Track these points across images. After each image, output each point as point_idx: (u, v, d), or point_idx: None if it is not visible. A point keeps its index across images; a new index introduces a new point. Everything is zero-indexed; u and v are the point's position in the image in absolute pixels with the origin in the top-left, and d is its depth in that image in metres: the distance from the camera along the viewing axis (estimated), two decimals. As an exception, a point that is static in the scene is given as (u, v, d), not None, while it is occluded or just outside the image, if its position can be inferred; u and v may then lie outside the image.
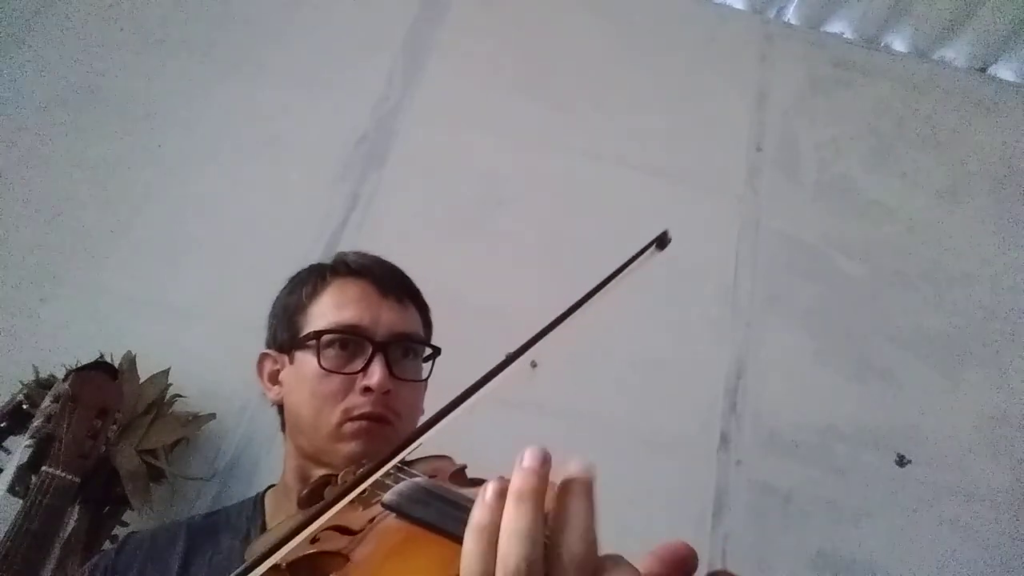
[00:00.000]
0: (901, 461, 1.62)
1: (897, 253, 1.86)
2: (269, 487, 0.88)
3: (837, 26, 2.16)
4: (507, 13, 2.03)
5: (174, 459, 1.35)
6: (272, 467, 1.43)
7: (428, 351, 0.87)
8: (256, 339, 1.55)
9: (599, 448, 1.55)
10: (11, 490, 1.07)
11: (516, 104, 1.91)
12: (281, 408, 0.87)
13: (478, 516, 0.36)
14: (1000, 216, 1.94)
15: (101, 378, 1.19)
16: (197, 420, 1.39)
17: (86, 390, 1.14)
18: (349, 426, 0.77)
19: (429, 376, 0.87)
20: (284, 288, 0.91)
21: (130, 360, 1.36)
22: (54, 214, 1.61)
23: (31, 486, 1.05)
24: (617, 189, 1.84)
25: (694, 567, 0.34)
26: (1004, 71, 2.16)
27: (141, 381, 1.36)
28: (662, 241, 0.58)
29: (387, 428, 0.78)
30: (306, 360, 0.81)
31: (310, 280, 0.87)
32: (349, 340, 0.80)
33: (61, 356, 1.27)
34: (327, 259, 0.90)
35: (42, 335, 1.47)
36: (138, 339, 1.43)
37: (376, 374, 0.77)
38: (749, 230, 1.84)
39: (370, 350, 0.79)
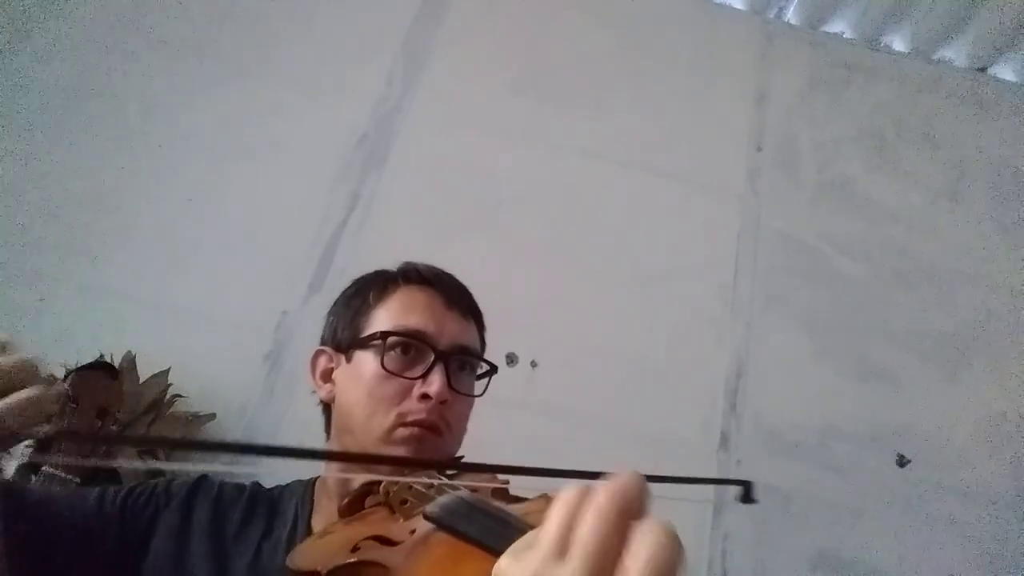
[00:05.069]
0: (901, 461, 1.62)
1: (897, 253, 1.86)
2: (318, 477, 0.87)
3: (837, 26, 2.16)
4: (507, 13, 2.03)
5: (174, 459, 1.35)
6: (272, 467, 1.43)
7: (483, 368, 0.88)
8: (256, 339, 1.56)
9: (599, 448, 1.55)
10: (11, 490, 1.07)
11: (516, 104, 1.91)
12: (328, 408, 0.87)
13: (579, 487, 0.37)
14: (1000, 216, 1.94)
15: (101, 378, 1.19)
16: (197, 420, 1.39)
17: (86, 390, 1.14)
18: (401, 431, 0.77)
19: (483, 394, 0.87)
20: (347, 289, 0.91)
21: (130, 360, 1.36)
22: (54, 214, 1.61)
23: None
24: (617, 189, 1.84)
25: None
26: (1004, 71, 2.16)
27: (141, 381, 1.36)
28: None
29: (437, 438, 0.78)
30: (366, 360, 0.81)
31: (377, 283, 0.87)
32: (412, 345, 0.80)
33: (61, 356, 1.27)
34: (392, 266, 0.90)
35: (42, 335, 1.47)
36: (138, 339, 1.43)
37: (436, 382, 0.78)
38: (749, 230, 1.84)
39: (432, 358, 0.79)
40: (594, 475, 0.58)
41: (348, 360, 0.84)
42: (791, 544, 1.52)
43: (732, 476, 1.56)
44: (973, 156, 2.02)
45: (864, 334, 1.75)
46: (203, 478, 0.83)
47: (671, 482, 0.62)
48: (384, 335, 0.80)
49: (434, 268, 0.89)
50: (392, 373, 0.78)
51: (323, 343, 0.89)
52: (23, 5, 1.82)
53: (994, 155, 2.02)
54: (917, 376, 1.72)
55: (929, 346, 1.76)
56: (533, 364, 1.60)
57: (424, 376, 0.79)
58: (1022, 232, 1.92)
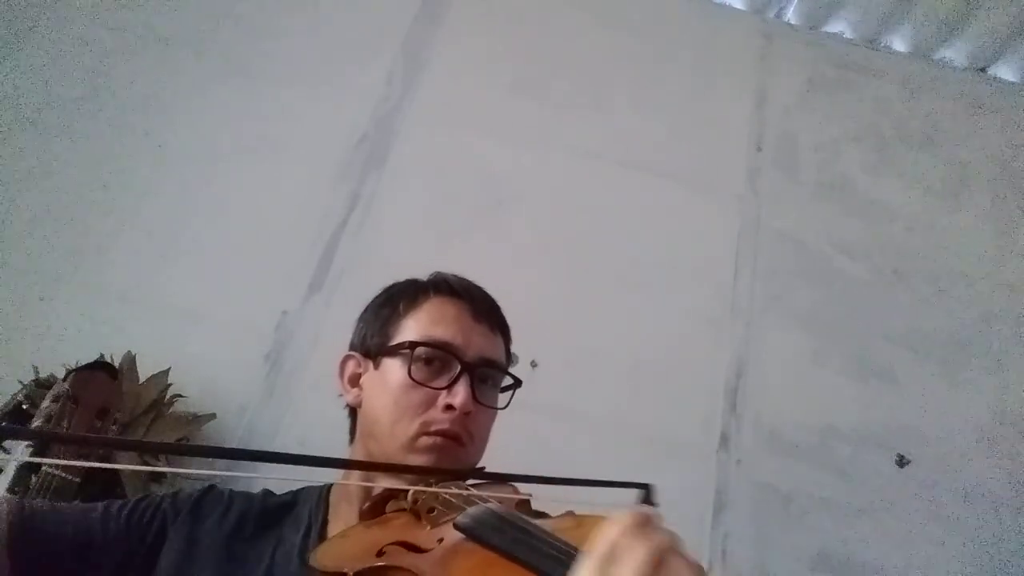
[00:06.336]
0: (901, 461, 1.62)
1: (897, 253, 1.86)
2: (333, 483, 0.88)
3: (837, 26, 2.16)
4: (507, 13, 2.03)
5: (174, 459, 1.35)
6: (271, 472, 1.43)
7: (507, 381, 0.89)
8: (256, 339, 1.56)
9: (599, 448, 1.55)
10: (11, 490, 1.07)
11: (516, 104, 1.91)
12: (354, 412, 0.89)
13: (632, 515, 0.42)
14: (1000, 216, 1.94)
15: (101, 378, 1.19)
16: (197, 420, 1.39)
17: (86, 390, 1.14)
18: (424, 440, 0.78)
19: (506, 407, 0.89)
20: (378, 296, 0.93)
21: (130, 360, 1.36)
22: (54, 214, 1.61)
23: (31, 486, 1.05)
24: (617, 189, 1.84)
25: None
26: (1004, 71, 2.16)
27: (141, 381, 1.36)
28: None
29: (459, 448, 0.80)
30: (394, 368, 0.82)
31: (408, 292, 0.89)
32: (439, 356, 0.82)
33: (61, 356, 1.27)
34: (423, 277, 0.92)
35: (42, 335, 1.47)
36: (138, 339, 1.43)
37: (461, 394, 0.79)
38: (749, 230, 1.84)
39: (458, 369, 0.81)
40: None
41: (376, 367, 0.85)
42: (791, 544, 1.52)
43: (733, 476, 1.57)
44: (973, 156, 2.01)
45: (864, 334, 1.75)
46: (210, 488, 0.83)
47: (571, 484, 0.63)
48: (412, 345, 0.81)
49: (464, 280, 0.91)
50: (418, 382, 0.80)
51: (352, 348, 0.91)
52: (23, 4, 1.82)
53: (994, 155, 2.02)
54: (917, 376, 1.72)
55: (929, 346, 1.76)
56: (533, 364, 1.60)
57: (449, 387, 0.80)
58: (1022, 232, 1.92)
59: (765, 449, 1.60)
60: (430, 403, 0.79)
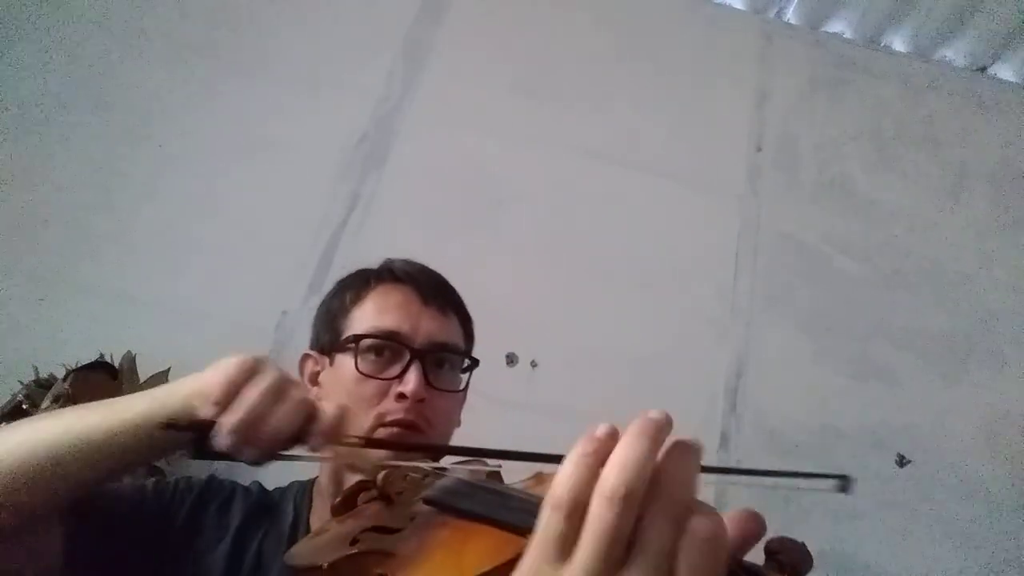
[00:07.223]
0: (901, 461, 1.62)
1: (897, 253, 1.86)
2: (316, 477, 0.88)
3: (837, 26, 2.16)
4: (507, 13, 2.03)
5: (174, 459, 1.35)
6: (271, 467, 1.43)
7: (466, 363, 0.87)
8: (256, 339, 1.56)
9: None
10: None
11: (516, 104, 1.91)
12: None
13: (585, 444, 0.38)
14: (1000, 216, 1.94)
15: (101, 378, 1.20)
16: (197, 420, 1.38)
17: (86, 390, 1.14)
18: (381, 431, 0.77)
19: (466, 387, 0.87)
20: (330, 291, 0.92)
21: (130, 360, 1.36)
22: (54, 214, 1.61)
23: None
24: (617, 189, 1.84)
25: (762, 532, 0.38)
26: (1004, 71, 2.16)
27: (141, 381, 1.36)
28: None
29: (419, 436, 0.78)
30: (345, 363, 0.81)
31: (355, 284, 0.88)
32: (387, 346, 0.80)
33: (61, 356, 1.27)
34: (373, 265, 0.90)
35: (42, 335, 1.47)
36: (138, 339, 1.43)
37: (411, 382, 0.78)
38: (749, 230, 1.84)
39: (408, 357, 0.80)
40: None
41: (331, 363, 0.84)
42: (791, 544, 1.52)
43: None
44: (973, 156, 2.01)
45: (864, 334, 1.75)
46: (211, 478, 0.83)
47: (766, 475, 0.61)
48: (357, 338, 0.80)
49: (412, 264, 0.89)
50: (367, 375, 0.79)
51: (311, 347, 0.90)
52: (22, 3, 1.82)
53: (994, 155, 2.02)
54: (917, 376, 1.72)
55: (929, 346, 1.76)
56: (533, 364, 1.60)
57: (400, 376, 0.79)
58: (1022, 232, 1.92)
59: (765, 449, 1.60)
60: (383, 394, 0.78)
